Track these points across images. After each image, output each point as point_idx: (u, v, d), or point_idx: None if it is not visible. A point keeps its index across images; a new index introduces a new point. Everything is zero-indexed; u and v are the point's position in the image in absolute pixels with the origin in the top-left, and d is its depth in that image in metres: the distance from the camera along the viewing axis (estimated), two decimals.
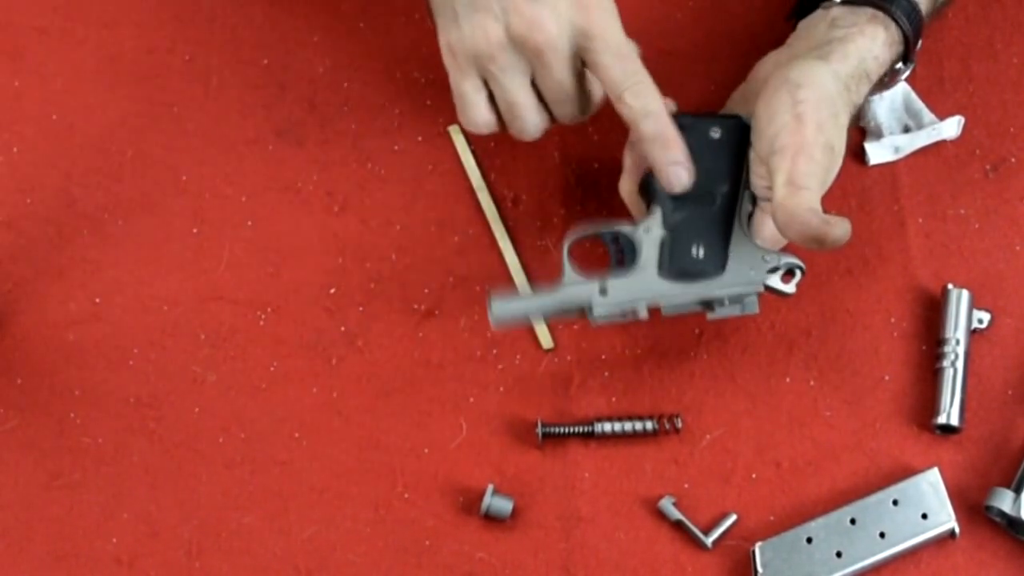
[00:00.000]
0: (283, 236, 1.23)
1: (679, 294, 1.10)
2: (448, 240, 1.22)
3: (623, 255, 1.13)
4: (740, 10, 1.28)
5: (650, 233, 1.11)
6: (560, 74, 1.10)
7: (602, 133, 1.24)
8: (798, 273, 1.10)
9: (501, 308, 1.11)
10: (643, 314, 1.10)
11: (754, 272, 1.09)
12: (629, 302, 1.09)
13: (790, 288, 1.10)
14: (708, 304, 1.11)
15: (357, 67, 1.28)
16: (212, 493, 1.14)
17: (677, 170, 1.10)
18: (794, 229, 1.06)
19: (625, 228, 1.12)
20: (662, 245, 1.11)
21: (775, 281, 1.10)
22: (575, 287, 1.10)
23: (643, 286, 1.10)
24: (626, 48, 1.11)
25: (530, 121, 1.13)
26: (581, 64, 1.11)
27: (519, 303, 1.12)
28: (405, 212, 1.23)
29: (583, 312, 1.11)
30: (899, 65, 1.17)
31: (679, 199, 1.10)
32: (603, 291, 1.10)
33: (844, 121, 1.11)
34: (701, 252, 1.10)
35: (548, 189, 1.23)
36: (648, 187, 1.12)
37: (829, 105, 1.09)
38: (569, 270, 1.11)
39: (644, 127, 1.10)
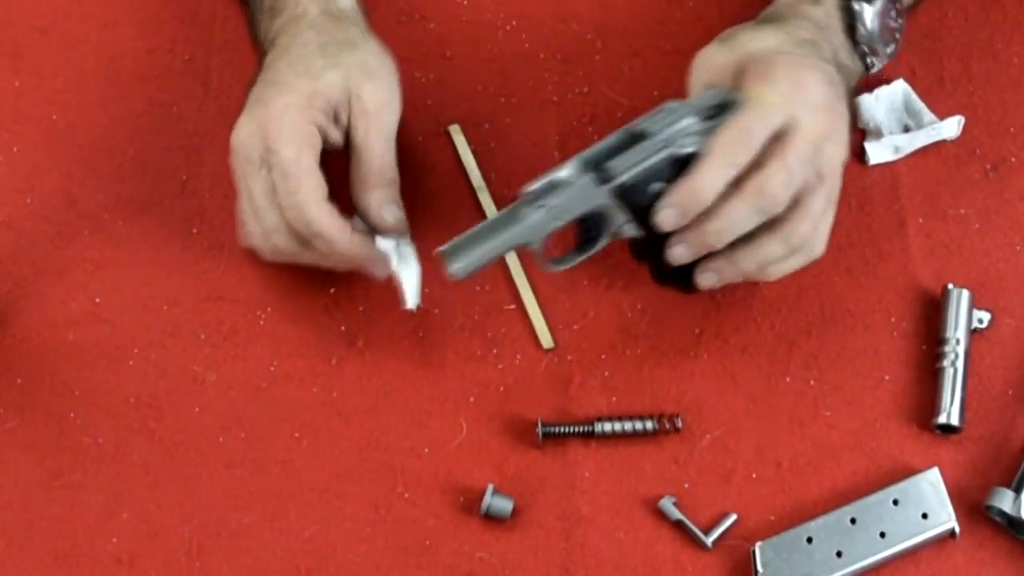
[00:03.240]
0: None
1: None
2: (448, 240, 1.21)
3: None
4: (740, 10, 1.28)
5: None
6: (241, 173, 1.15)
7: (602, 132, 1.23)
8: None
9: (461, 264, 1.09)
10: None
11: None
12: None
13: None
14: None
15: None
16: (212, 493, 1.14)
17: (374, 271, 1.16)
18: None
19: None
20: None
21: None
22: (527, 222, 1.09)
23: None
24: (291, 166, 1.12)
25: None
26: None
27: (476, 253, 1.09)
28: (405, 212, 1.22)
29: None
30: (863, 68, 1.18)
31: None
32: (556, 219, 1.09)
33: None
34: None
35: None
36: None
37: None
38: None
39: (317, 246, 1.14)
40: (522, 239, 1.09)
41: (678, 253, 1.10)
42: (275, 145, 1.12)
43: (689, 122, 1.08)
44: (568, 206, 1.09)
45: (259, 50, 1.22)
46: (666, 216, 1.08)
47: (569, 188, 1.08)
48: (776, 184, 1.06)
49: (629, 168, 1.08)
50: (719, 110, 1.08)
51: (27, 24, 1.32)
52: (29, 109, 1.28)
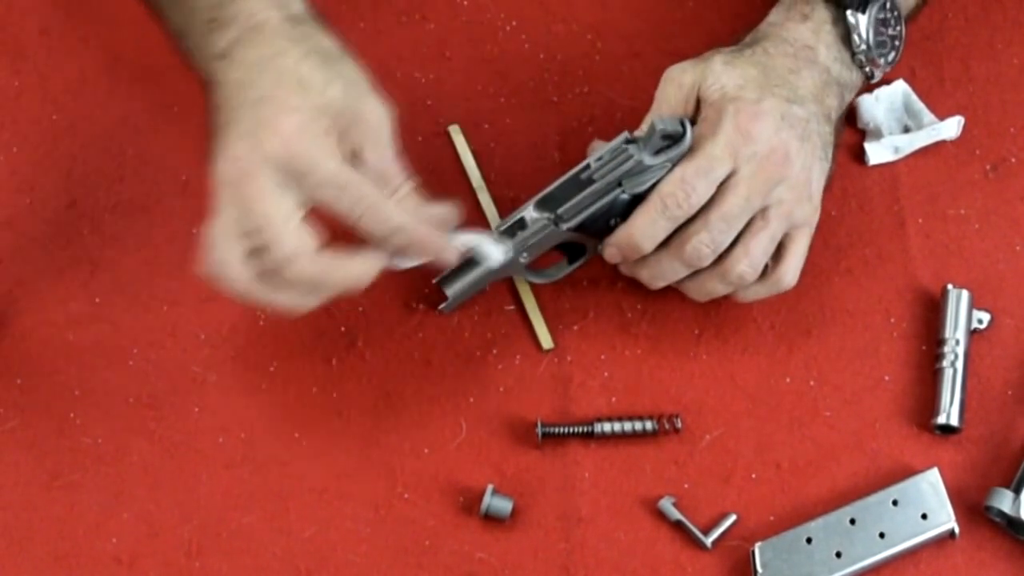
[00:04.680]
0: None
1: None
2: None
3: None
4: (740, 10, 1.28)
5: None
6: (261, 207, 1.03)
7: (602, 133, 1.24)
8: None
9: (454, 297, 1.16)
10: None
11: None
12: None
13: None
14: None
15: None
16: (212, 493, 1.15)
17: (447, 256, 1.09)
18: None
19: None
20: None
21: None
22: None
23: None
24: (344, 175, 1.04)
25: (225, 253, 1.03)
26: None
27: (463, 284, 1.15)
28: None
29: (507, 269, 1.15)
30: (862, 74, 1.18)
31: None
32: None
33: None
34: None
35: None
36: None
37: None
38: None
39: (396, 242, 1.06)
40: (499, 276, 1.16)
41: (624, 270, 1.16)
42: (312, 162, 1.02)
43: (636, 160, 1.10)
44: (536, 243, 1.14)
45: (199, 68, 1.11)
46: (610, 254, 1.14)
47: (533, 227, 1.13)
48: (696, 243, 1.10)
49: (578, 213, 1.12)
50: (671, 140, 1.09)
51: (28, 24, 1.32)
52: (29, 109, 1.28)
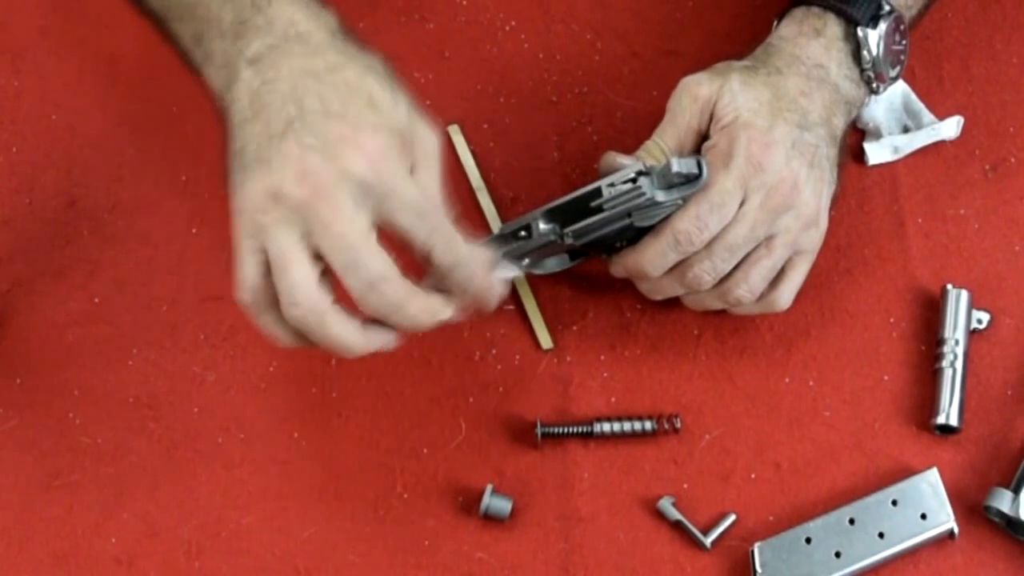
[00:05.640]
0: None
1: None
2: None
3: None
4: (740, 10, 1.28)
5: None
6: (341, 227, 0.97)
7: (601, 133, 1.24)
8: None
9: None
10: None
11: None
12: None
13: None
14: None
15: None
16: (211, 493, 1.15)
17: (491, 299, 1.05)
18: None
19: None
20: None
21: None
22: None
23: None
24: (424, 202, 1.00)
25: (300, 277, 0.98)
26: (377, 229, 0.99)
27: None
28: None
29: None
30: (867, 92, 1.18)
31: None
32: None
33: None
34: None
35: (548, 189, 1.23)
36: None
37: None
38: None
39: (456, 276, 1.02)
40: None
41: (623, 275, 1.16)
42: (395, 185, 0.98)
43: (648, 198, 1.08)
44: (541, 253, 1.14)
45: (214, 74, 1.06)
46: (616, 271, 1.15)
47: (540, 240, 1.12)
48: (698, 271, 1.10)
49: (585, 235, 1.11)
50: (685, 179, 1.08)
51: (27, 24, 1.32)
52: (29, 109, 1.28)
